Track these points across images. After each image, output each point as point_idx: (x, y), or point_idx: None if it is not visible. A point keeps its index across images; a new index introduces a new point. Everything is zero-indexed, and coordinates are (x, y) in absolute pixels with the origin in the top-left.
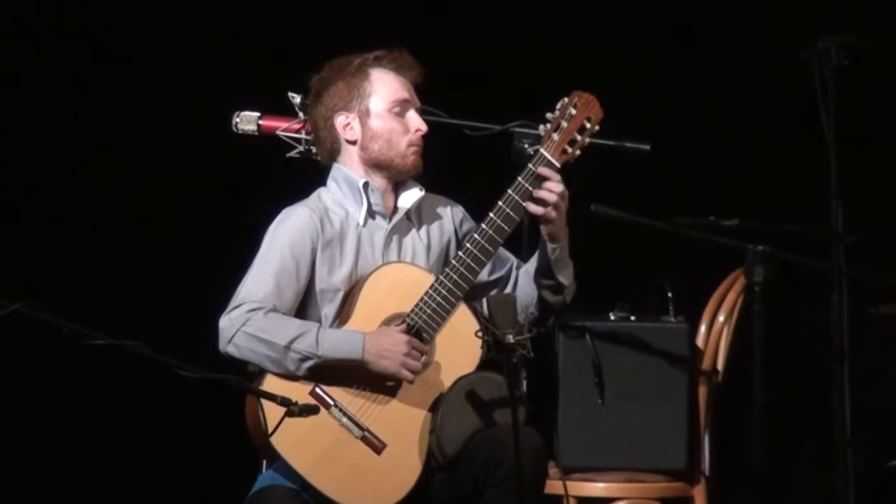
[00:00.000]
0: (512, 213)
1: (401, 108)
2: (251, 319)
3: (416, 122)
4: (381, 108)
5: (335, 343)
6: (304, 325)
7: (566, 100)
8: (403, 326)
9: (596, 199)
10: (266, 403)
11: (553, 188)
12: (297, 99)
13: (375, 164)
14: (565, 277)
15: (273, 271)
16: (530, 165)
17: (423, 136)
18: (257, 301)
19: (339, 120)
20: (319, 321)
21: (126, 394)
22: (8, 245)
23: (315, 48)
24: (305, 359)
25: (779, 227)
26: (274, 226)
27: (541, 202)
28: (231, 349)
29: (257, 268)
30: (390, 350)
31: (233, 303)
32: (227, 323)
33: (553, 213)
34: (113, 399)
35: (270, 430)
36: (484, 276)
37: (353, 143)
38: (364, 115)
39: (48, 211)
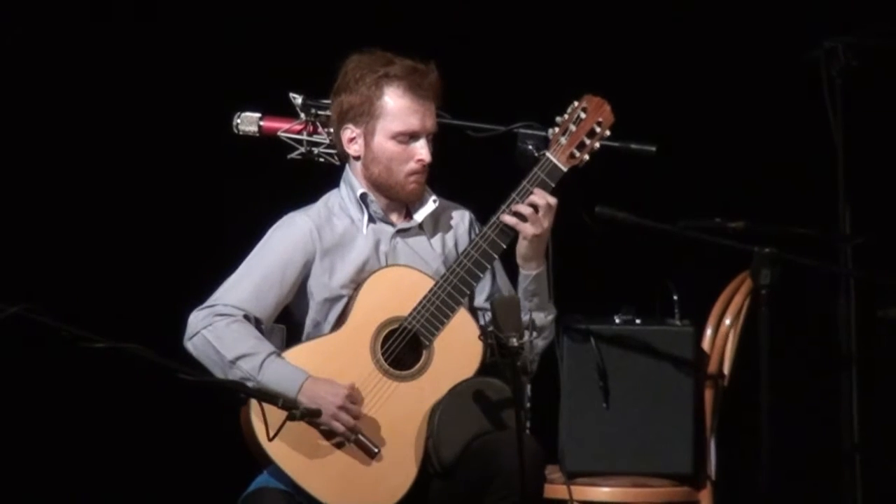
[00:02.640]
0: None
1: (408, 136)
2: (214, 324)
3: (420, 153)
4: (386, 134)
5: (276, 375)
6: (259, 346)
7: (576, 103)
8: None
9: (601, 200)
10: (266, 406)
11: (536, 200)
12: (298, 100)
13: (375, 185)
14: (541, 316)
15: (256, 276)
16: (536, 169)
17: (426, 165)
18: (229, 306)
19: (346, 133)
20: (310, 329)
21: (125, 397)
22: (7, 248)
23: (317, 48)
24: (248, 379)
25: (785, 229)
26: (271, 231)
27: (518, 215)
28: (190, 346)
29: (242, 270)
30: (325, 399)
31: (209, 300)
32: (194, 320)
33: (530, 229)
34: (112, 402)
35: (272, 433)
36: (480, 300)
37: (357, 158)
38: (369, 135)
39: (47, 213)
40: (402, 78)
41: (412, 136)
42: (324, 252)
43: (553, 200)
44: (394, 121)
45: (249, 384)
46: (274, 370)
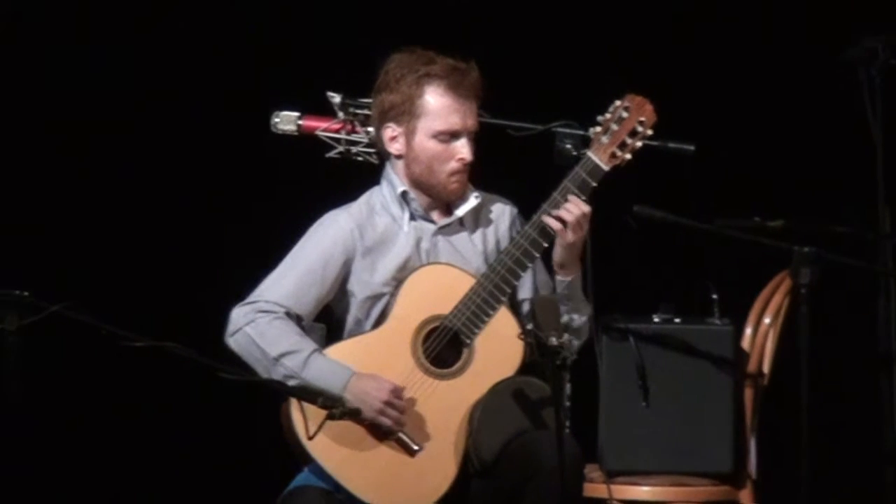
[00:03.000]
0: None
1: (449, 135)
2: (256, 321)
3: (461, 152)
4: (427, 133)
5: (321, 371)
6: (302, 343)
7: (618, 102)
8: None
9: (638, 199)
10: (306, 405)
11: (571, 209)
12: (336, 98)
13: (417, 184)
14: (576, 317)
15: (297, 273)
16: (577, 168)
17: (467, 164)
18: (271, 303)
19: (387, 132)
20: (352, 326)
21: (165, 395)
22: (48, 246)
23: (355, 47)
24: (292, 377)
25: (825, 228)
26: (313, 229)
27: (559, 219)
28: (232, 343)
29: (283, 267)
30: (370, 395)
31: (250, 296)
32: (236, 316)
33: (570, 236)
34: (152, 399)
35: (311, 432)
36: (524, 293)
37: (399, 157)
38: (410, 134)
39: (90, 212)
40: (443, 77)
41: (453, 135)
42: (365, 250)
43: (588, 209)
44: (435, 120)
45: (293, 382)
46: (318, 367)
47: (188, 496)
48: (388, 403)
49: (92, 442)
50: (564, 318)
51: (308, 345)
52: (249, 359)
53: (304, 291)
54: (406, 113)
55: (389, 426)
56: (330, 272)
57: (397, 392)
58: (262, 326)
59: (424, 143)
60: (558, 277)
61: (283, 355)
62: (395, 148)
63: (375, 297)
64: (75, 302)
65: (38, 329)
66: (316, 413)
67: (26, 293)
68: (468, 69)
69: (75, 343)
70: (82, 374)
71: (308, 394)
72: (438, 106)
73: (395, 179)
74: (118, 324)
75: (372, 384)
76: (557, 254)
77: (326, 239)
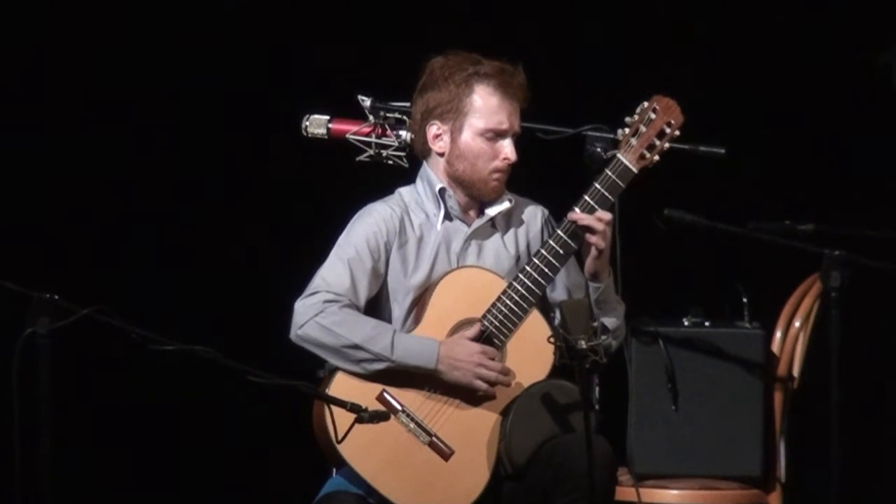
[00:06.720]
0: None
1: (495, 134)
2: (325, 311)
3: (506, 151)
4: (473, 131)
5: (409, 349)
6: (380, 325)
7: (646, 104)
8: (476, 330)
9: (668, 202)
10: (335, 410)
11: (601, 216)
12: (367, 102)
13: (457, 181)
14: (611, 319)
15: (348, 263)
16: (607, 171)
17: (511, 164)
18: (334, 293)
19: (432, 129)
20: (390, 320)
21: (195, 398)
22: (80, 250)
23: (386, 51)
24: (377, 360)
25: (856, 231)
26: (353, 220)
27: (588, 230)
28: (300, 334)
29: (334, 258)
30: (463, 361)
31: (309, 289)
32: (302, 309)
33: (602, 243)
34: (180, 403)
35: (340, 436)
36: (556, 295)
37: (441, 154)
38: (456, 132)
39: (120, 216)
40: (492, 76)
41: (499, 134)
42: (401, 244)
43: (609, 216)
44: (482, 118)
45: (379, 365)
46: (406, 346)
47: (219, 499)
48: (481, 366)
49: (120, 444)
50: (603, 321)
51: (386, 326)
52: (321, 348)
53: (357, 282)
54: (453, 111)
55: (487, 389)
56: (378, 262)
57: (486, 351)
58: (335, 315)
59: (470, 140)
60: (593, 285)
61: (366, 340)
62: (438, 146)
63: (400, 293)
64: (106, 305)
65: (69, 332)
66: (346, 417)
67: (57, 296)
68: (516, 72)
69: (104, 346)
70: (111, 376)
71: (335, 399)
72: (489, 103)
73: (432, 177)
74: (147, 327)
75: (461, 350)
76: (589, 265)
77: (371, 225)
